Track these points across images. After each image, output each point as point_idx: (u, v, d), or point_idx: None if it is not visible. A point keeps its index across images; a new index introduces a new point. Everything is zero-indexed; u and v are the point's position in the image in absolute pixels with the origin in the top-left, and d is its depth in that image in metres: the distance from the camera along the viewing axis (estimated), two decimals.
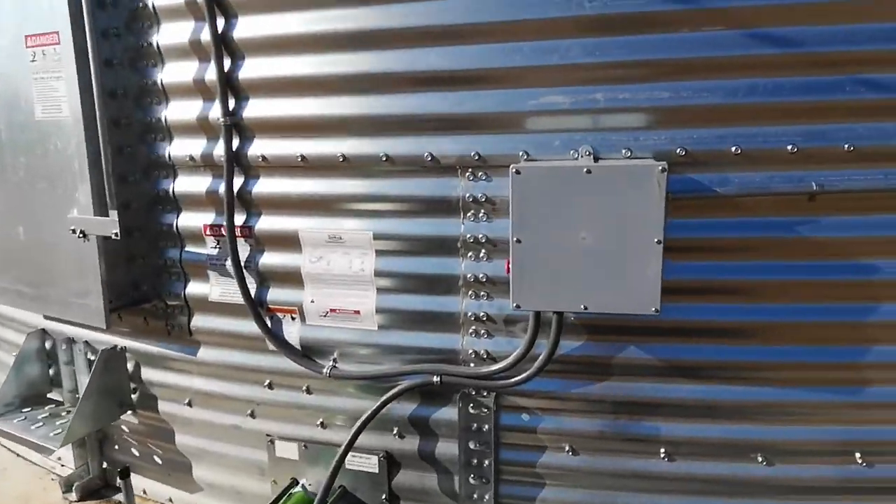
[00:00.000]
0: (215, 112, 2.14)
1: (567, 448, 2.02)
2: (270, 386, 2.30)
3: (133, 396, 2.57)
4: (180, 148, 2.25)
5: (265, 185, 2.16)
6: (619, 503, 2.03)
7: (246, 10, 2.04)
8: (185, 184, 2.27)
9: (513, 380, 1.94)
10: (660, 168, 1.60)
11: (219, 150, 2.17)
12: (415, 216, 2.02)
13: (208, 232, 2.29)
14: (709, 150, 1.76)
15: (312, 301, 2.19)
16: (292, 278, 2.19)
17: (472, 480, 2.12)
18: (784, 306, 1.82)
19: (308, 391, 2.26)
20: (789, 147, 1.71)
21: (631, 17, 1.72)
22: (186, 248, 2.32)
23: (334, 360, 2.18)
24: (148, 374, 2.54)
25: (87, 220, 2.24)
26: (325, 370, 2.16)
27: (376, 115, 1.98)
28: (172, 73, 2.20)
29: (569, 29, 1.77)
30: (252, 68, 2.09)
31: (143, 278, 2.39)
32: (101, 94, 2.12)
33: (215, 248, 2.30)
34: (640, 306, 1.67)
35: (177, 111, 2.23)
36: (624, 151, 1.79)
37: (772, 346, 1.85)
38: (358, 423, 2.11)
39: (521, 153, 1.86)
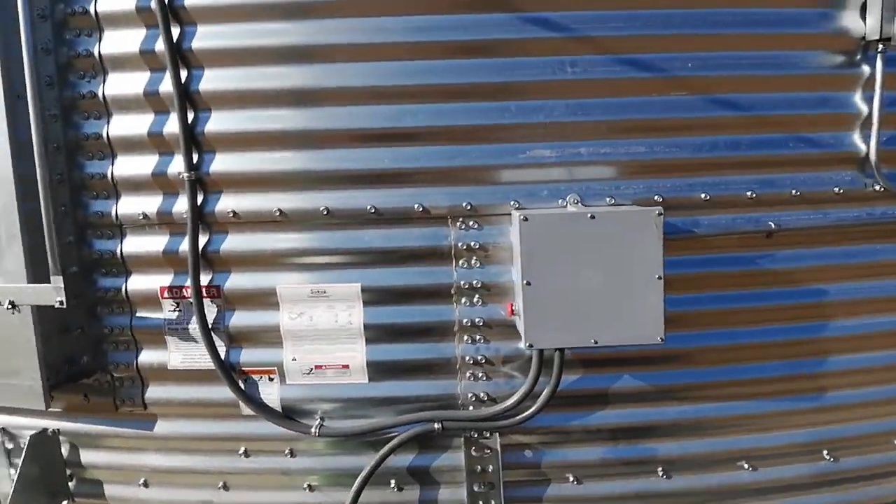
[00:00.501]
0: (176, 167, 2.18)
1: (571, 478, 2.29)
2: (246, 454, 2.34)
3: (70, 484, 2.48)
4: (130, 205, 2.23)
5: (236, 242, 2.21)
6: None
7: (210, 61, 2.12)
8: (136, 244, 2.25)
9: (518, 417, 2.19)
10: (657, 212, 1.94)
11: (179, 206, 2.20)
12: (404, 265, 2.20)
13: (166, 294, 2.30)
14: (681, 197, 2.15)
15: (294, 359, 2.28)
16: (268, 337, 2.27)
17: None
18: (753, 329, 2.25)
19: (292, 454, 2.33)
20: (748, 193, 2.16)
21: (608, 83, 2.09)
22: (138, 314, 2.31)
23: (321, 418, 2.31)
24: (90, 456, 2.44)
25: (19, 290, 2.15)
26: (312, 429, 2.25)
27: (363, 169, 2.14)
28: (119, 126, 2.19)
29: (553, 90, 2.10)
30: (219, 121, 2.15)
31: (82, 350, 2.32)
32: (42, 146, 2.06)
33: (174, 311, 2.31)
34: (646, 337, 2.00)
35: (126, 166, 2.22)
36: (608, 199, 2.14)
37: (743, 364, 2.28)
38: (359, 480, 2.23)
39: (511, 202, 2.14)
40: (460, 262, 2.18)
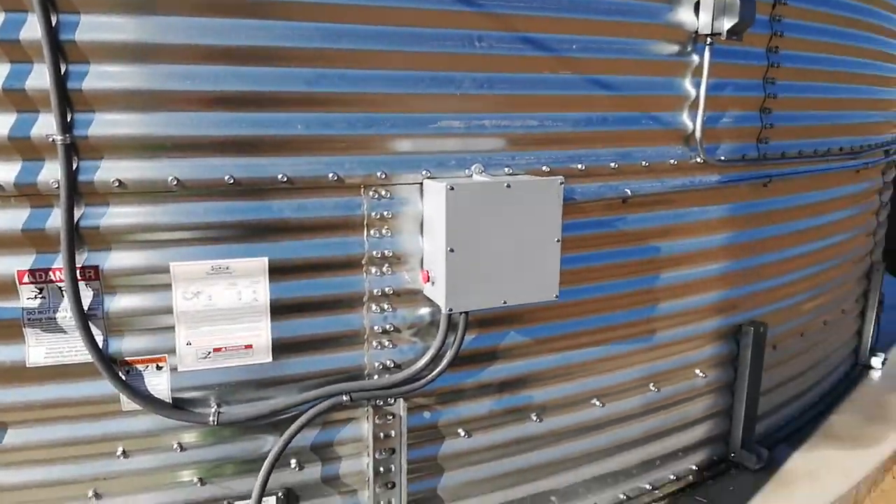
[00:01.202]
0: (42, 128, 2.09)
1: (462, 433, 2.80)
2: (125, 454, 2.36)
3: None
4: None
5: (119, 216, 2.21)
6: (504, 470, 2.95)
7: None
8: None
9: (423, 380, 2.60)
10: (559, 181, 2.48)
11: (45, 174, 2.12)
12: (313, 237, 2.43)
13: (26, 279, 2.18)
14: (562, 168, 2.74)
15: (189, 343, 2.36)
16: (157, 322, 2.32)
17: (378, 489, 2.68)
18: (610, 283, 2.99)
19: (181, 448, 2.43)
20: (612, 164, 2.84)
21: (510, 59, 2.55)
22: None
23: (218, 405, 2.43)
24: None
25: None
26: (210, 417, 2.39)
27: (274, 134, 2.31)
28: None
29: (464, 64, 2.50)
30: (100, 75, 2.11)
31: None
32: None
33: (35, 297, 2.21)
34: (545, 294, 2.56)
35: None
36: (506, 169, 2.63)
37: (598, 315, 3.01)
38: (266, 465, 2.44)
39: (423, 172, 2.50)
40: (371, 231, 2.50)
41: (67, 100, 2.09)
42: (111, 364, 2.28)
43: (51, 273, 2.20)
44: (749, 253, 3.54)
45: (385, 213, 2.50)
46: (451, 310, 2.43)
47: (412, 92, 2.46)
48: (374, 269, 2.53)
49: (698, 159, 3.08)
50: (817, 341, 4.33)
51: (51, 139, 2.08)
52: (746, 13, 2.81)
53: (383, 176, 2.46)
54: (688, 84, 3.00)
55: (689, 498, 3.39)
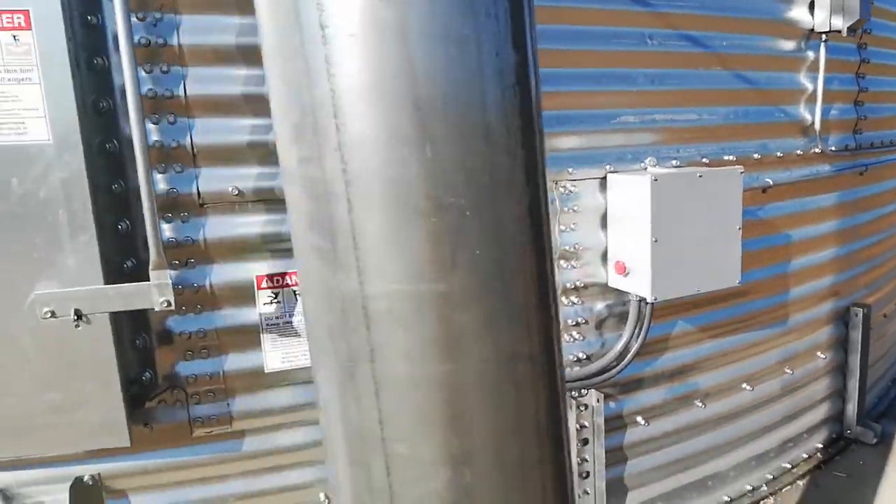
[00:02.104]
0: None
1: (642, 421, 2.82)
2: None
3: None
4: (216, 179, 2.05)
5: None
6: (676, 456, 2.96)
7: None
8: (221, 224, 2.07)
9: (614, 370, 2.60)
10: (740, 171, 2.56)
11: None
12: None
13: (264, 284, 2.14)
14: (717, 159, 2.82)
15: None
16: None
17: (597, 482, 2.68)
18: (752, 271, 3.07)
19: None
20: (755, 155, 2.94)
21: (673, 55, 2.65)
22: (224, 311, 2.11)
23: None
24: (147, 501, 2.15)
25: (96, 294, 1.80)
26: None
27: None
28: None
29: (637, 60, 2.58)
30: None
31: (144, 365, 2.05)
32: (137, 103, 1.76)
33: (272, 303, 2.16)
34: (730, 280, 2.62)
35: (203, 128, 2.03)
36: (673, 162, 2.70)
37: (745, 301, 3.06)
38: None
39: (606, 166, 2.56)
40: (561, 225, 2.53)
41: None
42: None
43: (287, 277, 2.18)
44: (852, 238, 3.66)
45: (575, 207, 2.54)
46: (655, 299, 2.47)
47: (597, 89, 2.53)
48: (563, 263, 2.55)
49: (817, 150, 3.21)
50: None
51: None
52: (865, 11, 2.98)
53: (572, 171, 2.51)
54: (803, 78, 3.15)
55: (828, 474, 3.44)
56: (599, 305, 2.65)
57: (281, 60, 1.10)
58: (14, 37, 1.71)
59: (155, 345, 2.09)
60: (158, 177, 1.99)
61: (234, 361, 2.17)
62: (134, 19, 1.90)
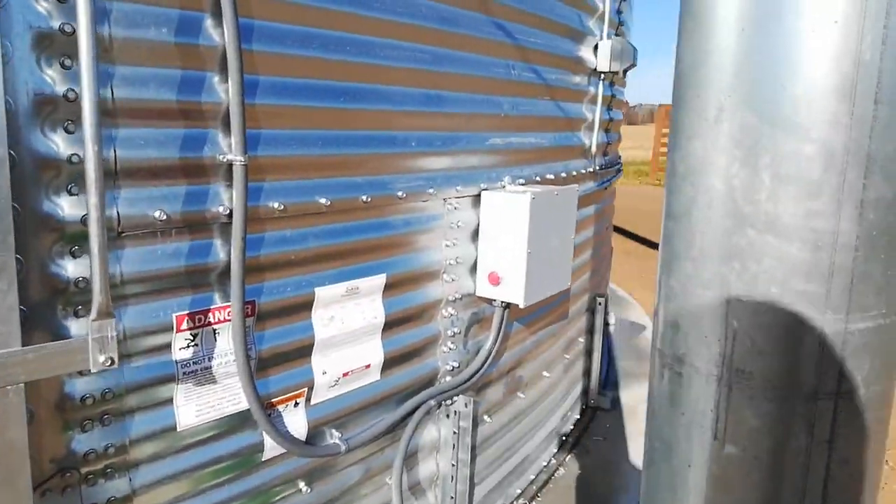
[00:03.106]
0: (217, 149, 1.71)
1: (487, 418, 2.95)
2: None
3: None
4: (141, 202, 1.58)
5: (276, 243, 1.90)
6: (503, 448, 3.19)
7: None
8: (138, 258, 1.60)
9: (480, 373, 2.71)
10: (576, 189, 2.81)
11: (217, 200, 1.71)
12: (412, 250, 2.39)
13: (185, 325, 1.68)
14: (546, 179, 3.08)
15: (324, 372, 2.09)
16: (297, 355, 2.05)
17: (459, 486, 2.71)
18: None
19: (309, 486, 2.13)
20: (563, 174, 3.27)
21: (525, 85, 2.85)
22: (134, 363, 1.62)
23: (340, 431, 2.19)
24: None
25: (16, 358, 1.23)
26: (341, 447, 2.17)
27: (395, 153, 2.28)
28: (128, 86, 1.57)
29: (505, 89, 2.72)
30: (274, 90, 1.86)
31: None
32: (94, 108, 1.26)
33: (188, 346, 1.72)
34: (564, 284, 2.93)
35: (130, 140, 1.57)
36: (520, 181, 2.88)
37: None
38: (395, 479, 2.35)
39: (481, 185, 2.62)
40: (447, 241, 2.51)
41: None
42: (265, 409, 1.94)
43: (211, 314, 1.80)
44: (597, 242, 4.29)
45: (458, 223, 2.56)
46: (526, 304, 2.62)
47: (479, 112, 2.59)
48: (446, 276, 2.56)
49: (591, 169, 3.71)
50: None
51: (224, 159, 1.73)
52: (635, 57, 3.53)
53: (459, 189, 2.53)
54: (585, 109, 3.61)
55: (590, 439, 4.02)
56: (467, 315, 2.73)
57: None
58: None
59: (44, 417, 1.58)
60: (70, 199, 1.50)
61: (142, 424, 1.73)
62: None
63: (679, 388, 1.03)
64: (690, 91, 1.03)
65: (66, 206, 1.51)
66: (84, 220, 1.52)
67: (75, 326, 1.55)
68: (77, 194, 1.51)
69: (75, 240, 1.53)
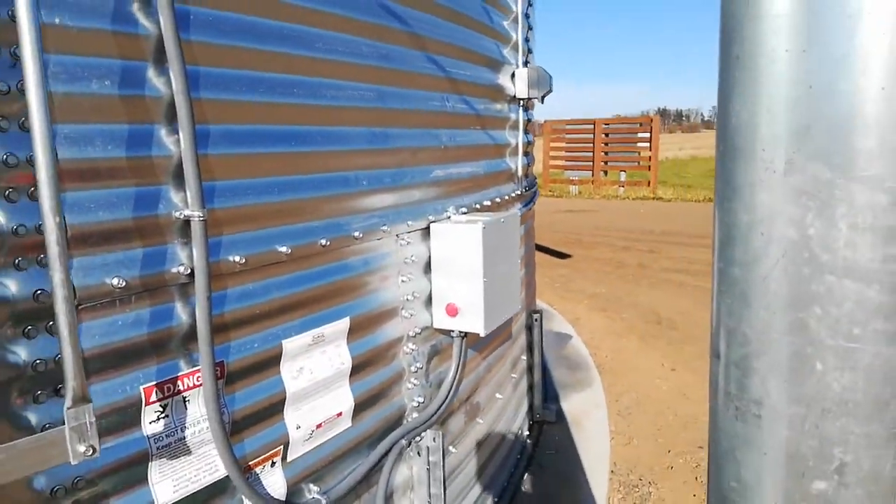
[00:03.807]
0: (171, 205, 1.56)
1: (452, 448, 2.85)
2: None
3: None
4: (95, 270, 1.39)
5: (239, 298, 1.74)
6: (470, 475, 3.08)
7: None
8: (98, 332, 1.41)
9: (444, 405, 2.61)
10: (518, 215, 2.80)
11: (175, 260, 1.54)
12: (370, 291, 2.29)
13: (154, 397, 1.49)
14: (481, 206, 3.05)
15: (298, 427, 1.93)
16: (270, 412, 1.90)
17: None
18: None
19: None
20: (497, 199, 3.26)
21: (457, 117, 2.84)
22: (104, 445, 1.40)
23: (318, 486, 2.02)
24: None
25: None
26: (322, 501, 2.01)
27: (348, 192, 2.20)
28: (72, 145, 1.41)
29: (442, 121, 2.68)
30: (229, 138, 1.74)
31: None
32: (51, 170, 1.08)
33: (159, 419, 1.52)
34: (516, 306, 2.89)
35: (79, 204, 1.41)
36: (462, 209, 2.84)
37: None
38: None
39: (429, 217, 2.55)
40: (402, 277, 2.42)
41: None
42: (243, 474, 1.78)
43: (179, 381, 1.62)
44: (527, 261, 4.31)
45: (412, 257, 2.48)
46: (486, 332, 2.56)
47: (422, 145, 2.53)
48: (404, 312, 2.47)
49: (518, 192, 3.73)
50: None
51: (180, 216, 1.58)
52: (551, 83, 3.59)
53: (410, 223, 2.45)
54: (508, 135, 3.63)
55: (543, 454, 4.00)
56: (426, 349, 2.64)
57: None
58: None
59: None
60: (18, 276, 1.32)
61: None
62: None
63: (759, 430, 1.03)
64: (752, 144, 1.03)
65: (13, 284, 1.34)
66: (36, 297, 1.36)
67: (35, 415, 1.37)
68: (25, 269, 1.35)
69: (27, 319, 1.35)
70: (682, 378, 6.05)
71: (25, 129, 1.32)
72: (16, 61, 1.31)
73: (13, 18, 1.29)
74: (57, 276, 1.18)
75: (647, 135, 20.84)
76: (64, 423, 1.34)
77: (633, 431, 5.04)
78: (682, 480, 4.29)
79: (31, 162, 1.32)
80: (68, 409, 1.22)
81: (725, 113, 1.13)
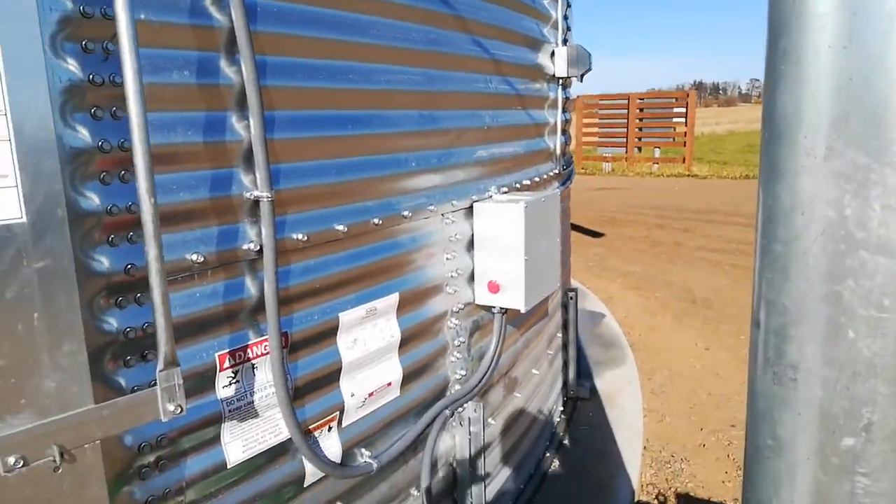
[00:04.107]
0: (242, 186, 1.71)
1: (492, 421, 2.99)
2: None
3: None
4: (175, 247, 1.55)
5: (301, 273, 1.89)
6: (506, 448, 3.22)
7: None
8: (179, 304, 1.56)
9: (486, 378, 2.75)
10: (558, 194, 2.91)
11: (245, 237, 1.69)
12: (418, 268, 2.42)
13: (227, 363, 1.65)
14: (522, 185, 3.15)
15: (352, 394, 2.09)
16: (327, 380, 2.05)
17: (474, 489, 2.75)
18: None
19: None
20: (536, 178, 3.35)
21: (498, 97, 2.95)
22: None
23: (370, 449, 2.19)
24: None
25: (84, 418, 1.18)
26: (373, 465, 2.16)
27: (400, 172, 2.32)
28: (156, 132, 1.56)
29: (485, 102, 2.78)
30: (293, 124, 1.87)
31: None
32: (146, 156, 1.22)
33: (230, 384, 1.69)
34: (554, 286, 3.01)
35: (163, 186, 1.54)
36: (503, 188, 2.94)
37: None
38: (424, 489, 2.32)
39: (472, 197, 2.67)
40: (447, 254, 2.54)
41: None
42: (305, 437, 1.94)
43: (249, 349, 1.78)
44: (563, 239, 4.39)
45: (456, 235, 2.60)
46: (527, 308, 2.68)
47: (467, 126, 2.63)
48: (448, 288, 2.60)
49: (556, 171, 3.82)
50: None
51: (251, 196, 1.72)
52: (590, 62, 3.65)
53: (454, 203, 2.57)
54: (547, 114, 3.71)
55: (577, 429, 4.13)
56: (469, 324, 2.78)
57: None
58: None
59: (108, 470, 1.53)
60: (111, 251, 1.47)
61: (195, 465, 1.71)
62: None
63: (794, 392, 1.13)
64: (796, 131, 1.13)
65: (106, 259, 1.49)
66: (127, 270, 1.51)
67: (125, 378, 1.53)
68: (118, 245, 1.50)
69: (119, 290, 1.51)
70: (717, 357, 6.12)
71: (117, 117, 1.46)
72: (107, 55, 1.46)
73: (105, 16, 1.43)
74: (152, 251, 1.33)
75: (683, 109, 20.58)
76: (152, 385, 1.51)
77: (667, 409, 5.14)
78: (715, 458, 4.40)
79: (122, 147, 1.48)
80: (160, 371, 1.38)
81: (771, 102, 1.22)
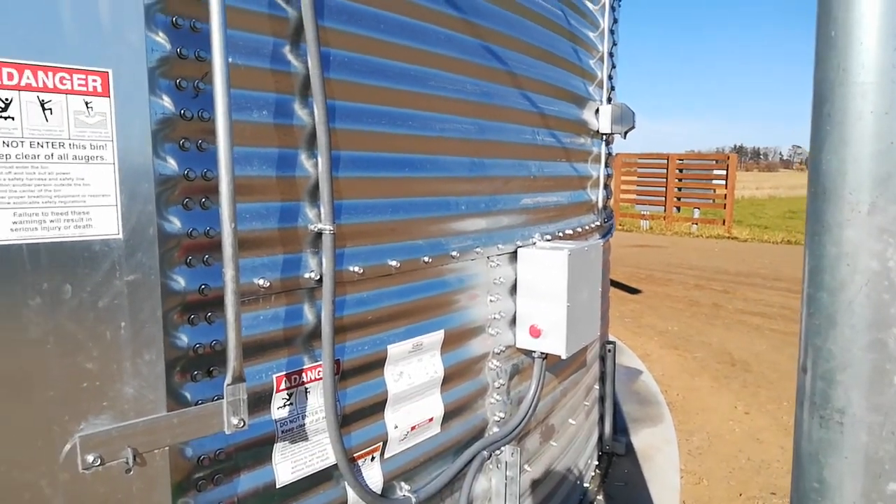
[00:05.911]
0: (306, 218, 1.83)
1: (527, 468, 3.00)
2: None
3: None
4: (246, 271, 1.68)
5: (355, 305, 1.99)
6: (543, 494, 3.22)
7: None
8: (244, 325, 1.66)
9: (523, 422, 2.79)
10: (601, 244, 2.99)
11: (307, 267, 1.82)
12: (462, 307, 2.52)
13: (283, 385, 1.76)
14: (563, 234, 3.25)
15: (396, 426, 2.16)
16: (373, 410, 2.14)
17: None
18: None
19: None
20: (577, 229, 3.45)
21: (544, 149, 3.07)
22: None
23: (408, 484, 2.24)
24: None
25: (157, 425, 1.28)
26: (413, 499, 2.21)
27: (445, 215, 2.46)
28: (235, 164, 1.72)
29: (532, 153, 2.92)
30: (355, 163, 2.02)
31: None
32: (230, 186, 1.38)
33: (285, 406, 1.79)
34: (594, 334, 3.05)
35: (237, 215, 1.65)
36: (547, 236, 3.03)
37: None
38: None
39: (517, 242, 2.76)
40: (490, 297, 2.63)
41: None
42: (350, 464, 2.01)
43: (304, 374, 1.88)
44: (604, 291, 4.44)
45: (500, 279, 2.70)
46: (568, 355, 2.74)
47: (513, 175, 2.76)
48: (491, 330, 2.68)
49: (597, 223, 3.91)
50: None
51: (314, 228, 1.85)
52: (634, 120, 3.78)
53: (500, 247, 2.68)
54: (590, 168, 3.83)
55: (611, 485, 4.10)
56: (509, 366, 2.84)
57: None
58: (87, 104, 1.25)
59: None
60: (187, 272, 1.60)
61: (247, 482, 1.80)
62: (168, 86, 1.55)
63: (840, 436, 1.19)
64: (841, 188, 1.24)
65: (182, 279, 1.62)
66: (201, 290, 1.64)
67: (191, 392, 1.64)
68: (194, 266, 1.63)
69: (192, 308, 1.63)
70: (756, 422, 6.01)
71: (202, 149, 1.62)
72: (197, 93, 1.62)
73: (198, 58, 1.60)
74: (229, 272, 1.45)
75: (723, 172, 20.59)
76: (216, 399, 1.61)
77: (704, 472, 5.06)
78: None
79: (205, 177, 1.63)
80: (228, 385, 1.48)
81: (817, 160, 1.32)
